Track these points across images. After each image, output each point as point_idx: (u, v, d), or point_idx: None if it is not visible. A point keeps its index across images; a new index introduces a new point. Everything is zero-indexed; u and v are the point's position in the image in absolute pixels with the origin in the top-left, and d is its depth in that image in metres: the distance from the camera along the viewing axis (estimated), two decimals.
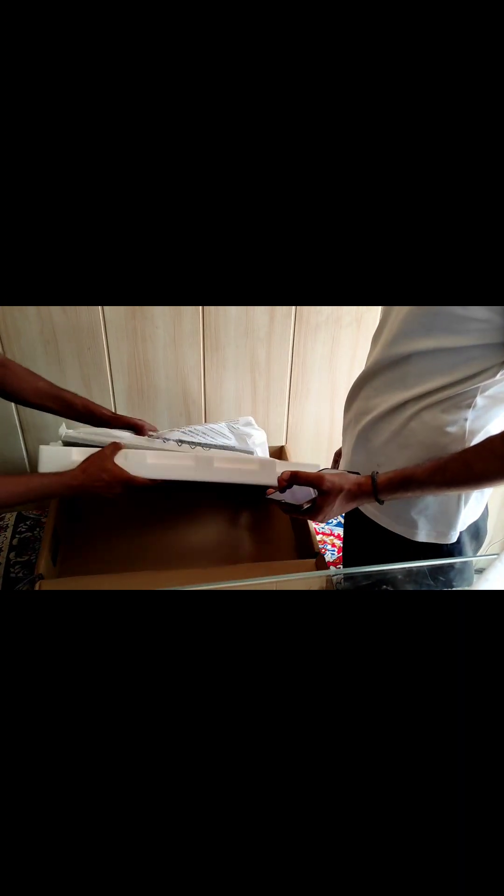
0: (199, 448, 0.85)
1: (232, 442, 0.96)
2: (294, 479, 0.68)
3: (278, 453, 1.27)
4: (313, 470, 0.70)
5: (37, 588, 0.81)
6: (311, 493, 0.68)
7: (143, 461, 0.76)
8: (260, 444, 1.03)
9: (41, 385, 0.85)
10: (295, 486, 0.69)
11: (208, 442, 0.92)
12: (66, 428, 0.84)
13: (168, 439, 0.85)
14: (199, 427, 0.96)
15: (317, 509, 0.68)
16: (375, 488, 0.65)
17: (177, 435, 0.87)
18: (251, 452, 0.94)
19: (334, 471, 0.71)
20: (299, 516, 0.70)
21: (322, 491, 0.67)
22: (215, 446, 0.91)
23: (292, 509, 0.70)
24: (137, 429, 0.86)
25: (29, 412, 1.16)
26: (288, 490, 0.69)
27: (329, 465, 0.83)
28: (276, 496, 0.69)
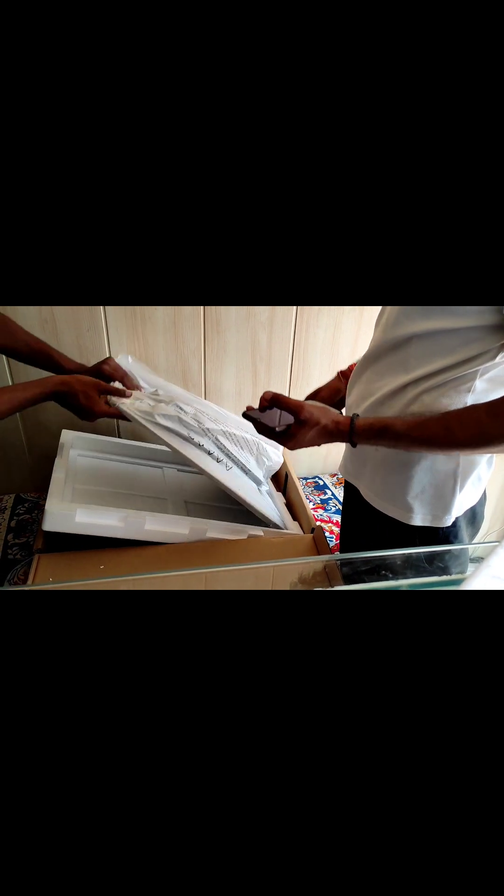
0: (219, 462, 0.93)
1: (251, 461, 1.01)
2: (275, 401, 0.68)
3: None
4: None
5: (35, 563, 0.82)
6: (289, 419, 0.68)
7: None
8: (269, 467, 1.07)
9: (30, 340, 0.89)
10: (274, 409, 0.69)
11: (234, 433, 0.96)
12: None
13: (194, 432, 0.90)
14: (225, 416, 1.01)
15: (290, 436, 0.68)
16: (353, 430, 0.66)
17: (208, 424, 0.93)
18: (260, 482, 1.00)
19: (318, 404, 0.71)
20: (271, 438, 0.71)
21: (299, 420, 0.67)
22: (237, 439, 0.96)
23: (266, 430, 0.70)
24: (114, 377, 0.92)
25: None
26: (267, 410, 0.69)
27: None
28: (255, 414, 0.70)
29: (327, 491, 1.37)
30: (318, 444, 0.70)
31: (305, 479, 1.42)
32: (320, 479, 1.43)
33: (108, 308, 1.09)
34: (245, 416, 0.71)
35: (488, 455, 0.71)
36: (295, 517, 1.05)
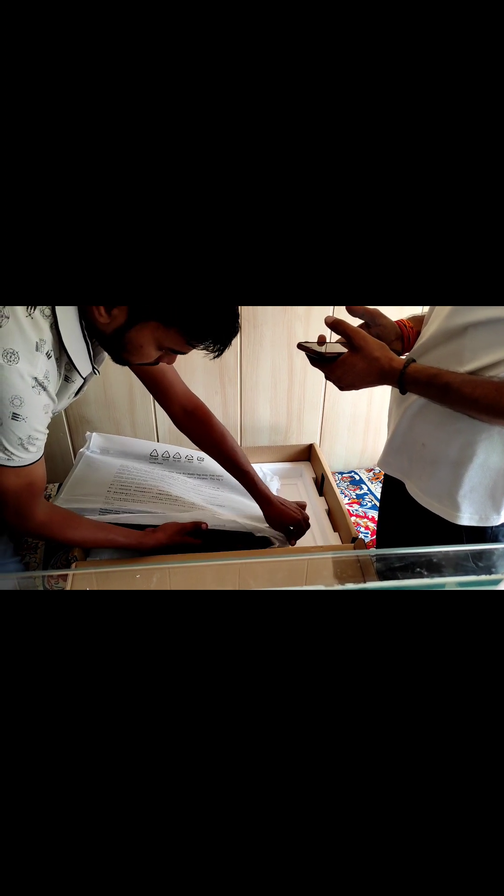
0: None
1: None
2: (336, 324, 0.68)
3: (306, 452, 1.24)
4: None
5: (73, 567, 0.84)
6: (343, 350, 0.68)
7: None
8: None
9: (224, 448, 0.94)
10: (327, 344, 0.70)
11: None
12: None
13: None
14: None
15: (340, 363, 0.67)
16: (404, 373, 0.64)
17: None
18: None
19: (378, 340, 0.69)
20: (322, 368, 0.70)
21: (353, 346, 0.66)
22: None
23: (317, 358, 0.70)
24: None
25: (77, 414, 1.23)
26: (326, 344, 0.70)
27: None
28: (311, 345, 0.70)
29: (363, 486, 1.36)
30: (367, 383, 0.68)
31: (341, 473, 1.41)
32: (356, 473, 1.41)
33: None
34: (300, 346, 0.71)
35: None
36: (335, 527, 1.04)
